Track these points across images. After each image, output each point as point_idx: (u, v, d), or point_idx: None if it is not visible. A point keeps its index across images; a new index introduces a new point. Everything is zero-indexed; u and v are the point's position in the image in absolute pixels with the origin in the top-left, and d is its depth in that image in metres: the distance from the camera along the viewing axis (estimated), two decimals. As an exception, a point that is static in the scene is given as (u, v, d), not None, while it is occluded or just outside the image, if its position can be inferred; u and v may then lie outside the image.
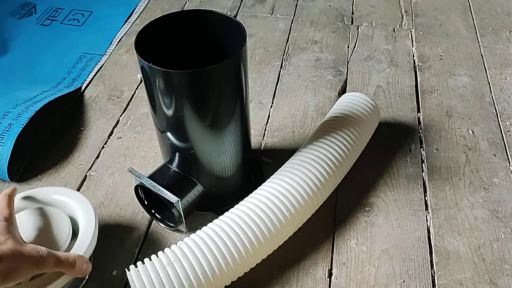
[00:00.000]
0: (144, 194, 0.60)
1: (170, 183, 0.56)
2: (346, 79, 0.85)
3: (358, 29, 0.98)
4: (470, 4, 1.05)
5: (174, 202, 0.54)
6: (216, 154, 0.56)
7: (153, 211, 0.61)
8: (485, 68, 0.87)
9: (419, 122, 0.76)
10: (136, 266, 0.49)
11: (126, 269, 0.49)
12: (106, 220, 0.62)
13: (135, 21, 1.02)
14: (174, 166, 0.59)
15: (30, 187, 0.66)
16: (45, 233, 0.52)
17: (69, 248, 0.51)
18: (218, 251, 0.50)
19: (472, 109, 0.78)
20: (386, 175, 0.67)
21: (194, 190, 0.58)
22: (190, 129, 0.53)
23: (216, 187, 0.61)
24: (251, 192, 0.57)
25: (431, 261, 0.57)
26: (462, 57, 0.90)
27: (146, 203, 0.61)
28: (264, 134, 0.74)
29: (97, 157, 0.71)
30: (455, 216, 0.62)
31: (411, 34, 0.96)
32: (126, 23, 1.01)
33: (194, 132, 0.53)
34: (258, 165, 0.69)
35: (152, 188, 0.55)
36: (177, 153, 0.57)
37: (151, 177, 0.57)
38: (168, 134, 0.55)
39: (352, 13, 1.03)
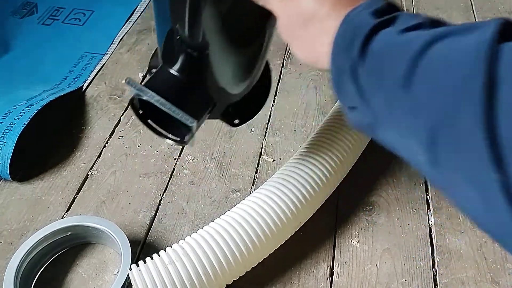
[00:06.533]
0: (140, 103, 0.48)
1: (180, 97, 0.45)
2: (348, 78, 0.85)
3: (359, 28, 0.98)
4: (472, 2, 1.05)
5: (191, 124, 0.44)
6: (238, 55, 0.46)
7: (149, 121, 0.49)
8: (487, 67, 0.87)
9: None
10: (137, 265, 0.49)
11: (128, 268, 0.49)
12: (108, 220, 0.62)
13: (136, 20, 1.02)
14: (177, 71, 0.46)
15: (31, 186, 0.67)
16: None
17: None
18: (220, 250, 0.50)
19: (474, 107, 0.78)
20: (387, 173, 0.67)
21: (207, 105, 0.48)
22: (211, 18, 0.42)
23: (228, 99, 0.51)
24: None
25: (433, 260, 0.57)
26: (463, 56, 0.89)
27: (141, 112, 0.49)
28: (266, 133, 0.74)
29: (99, 157, 0.71)
30: (457, 214, 0.61)
31: (413, 32, 0.96)
32: (127, 23, 1.01)
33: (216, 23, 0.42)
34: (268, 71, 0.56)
35: (163, 107, 0.44)
36: (185, 54, 0.45)
37: (156, 90, 0.45)
38: (179, 25, 0.43)
39: (354, 12, 1.03)
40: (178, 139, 0.48)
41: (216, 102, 0.49)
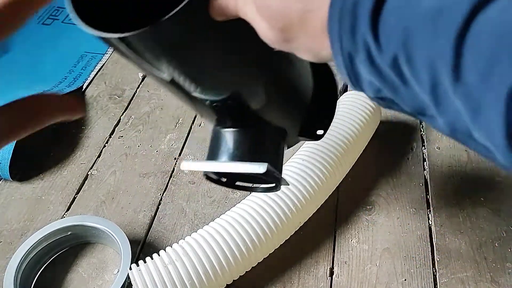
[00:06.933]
0: (216, 174, 0.46)
1: (245, 151, 0.42)
2: (348, 77, 0.85)
3: (359, 28, 0.97)
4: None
5: (262, 171, 0.40)
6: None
7: (237, 183, 0.47)
8: (486, 66, 0.86)
9: (421, 121, 0.76)
10: (137, 265, 0.49)
11: (127, 268, 0.49)
12: (108, 219, 0.62)
13: (136, 20, 1.02)
14: (230, 127, 0.43)
15: (31, 186, 0.67)
16: None
17: None
18: (220, 250, 0.50)
19: (474, 107, 0.78)
20: (387, 173, 0.67)
21: (276, 141, 0.44)
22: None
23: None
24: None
25: (433, 259, 0.57)
26: (463, 55, 0.89)
27: (224, 180, 0.46)
28: (266, 132, 0.74)
29: (99, 156, 0.71)
30: (457, 214, 0.61)
31: (413, 32, 0.96)
32: (127, 22, 1.01)
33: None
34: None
35: (229, 170, 0.41)
36: (232, 110, 0.42)
37: (216, 159, 0.43)
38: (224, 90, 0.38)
39: (353, 12, 1.03)
40: (272, 185, 0.45)
41: (284, 131, 0.45)
